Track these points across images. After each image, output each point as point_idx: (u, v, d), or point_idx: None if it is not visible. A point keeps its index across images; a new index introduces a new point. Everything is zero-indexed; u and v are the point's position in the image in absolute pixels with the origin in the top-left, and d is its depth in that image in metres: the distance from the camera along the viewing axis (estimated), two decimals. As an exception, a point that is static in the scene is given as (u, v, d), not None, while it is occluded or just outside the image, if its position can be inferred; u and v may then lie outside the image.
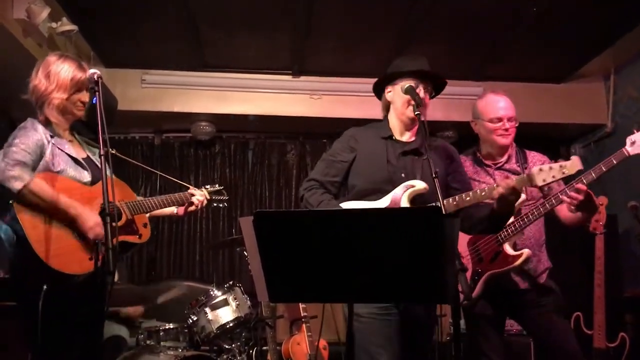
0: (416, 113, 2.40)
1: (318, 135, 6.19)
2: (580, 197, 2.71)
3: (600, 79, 5.76)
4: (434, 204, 2.33)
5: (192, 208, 3.01)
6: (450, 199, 2.43)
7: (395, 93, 2.64)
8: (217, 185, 3.32)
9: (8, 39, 3.90)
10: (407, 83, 2.52)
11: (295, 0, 4.26)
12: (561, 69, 5.54)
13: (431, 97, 2.66)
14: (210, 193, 3.17)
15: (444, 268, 1.59)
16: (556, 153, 6.33)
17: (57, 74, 2.59)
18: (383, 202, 2.49)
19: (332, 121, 5.62)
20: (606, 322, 3.78)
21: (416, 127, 2.66)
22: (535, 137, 4.76)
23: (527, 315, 3.01)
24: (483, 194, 2.39)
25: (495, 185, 2.37)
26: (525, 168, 3.04)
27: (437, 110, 5.38)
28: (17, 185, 2.35)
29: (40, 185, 2.41)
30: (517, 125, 3.05)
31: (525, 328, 3.16)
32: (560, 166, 2.26)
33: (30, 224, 2.39)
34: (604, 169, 2.71)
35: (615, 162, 2.69)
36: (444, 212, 1.70)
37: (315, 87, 5.68)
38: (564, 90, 5.77)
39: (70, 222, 2.46)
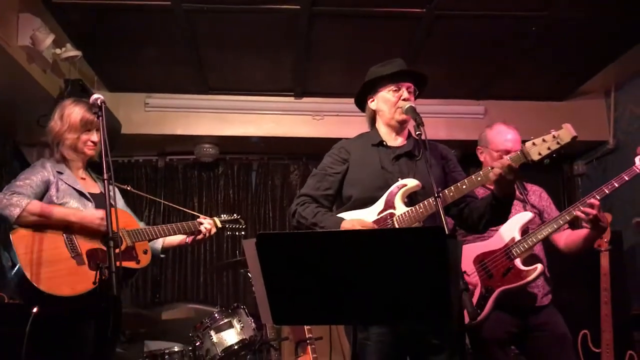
0: (417, 133, 2.38)
1: (321, 155, 6.04)
2: (594, 211, 2.78)
3: (601, 96, 5.77)
4: (432, 198, 2.29)
5: (199, 237, 3.08)
6: (446, 191, 2.38)
7: (380, 100, 2.63)
8: (234, 215, 3.43)
9: (13, 66, 3.94)
10: (406, 104, 2.52)
11: (296, 22, 4.30)
12: (562, 87, 5.56)
13: (416, 97, 2.63)
14: (223, 222, 3.25)
15: (447, 287, 1.59)
16: (559, 170, 6.34)
17: (69, 115, 2.78)
18: (377, 206, 2.47)
19: (334, 141, 5.51)
20: (614, 340, 3.74)
21: (406, 131, 2.65)
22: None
23: (532, 343, 2.97)
24: (479, 179, 2.34)
25: (489, 167, 2.32)
26: (527, 195, 3.12)
27: (440, 129, 5.41)
28: (15, 212, 2.50)
29: (37, 204, 2.57)
30: None
31: (528, 357, 3.11)
32: (554, 136, 2.19)
33: (24, 249, 2.50)
34: (617, 185, 2.85)
35: (627, 178, 2.85)
36: (446, 232, 1.70)
37: (317, 108, 5.71)
38: (566, 107, 5.77)
39: (69, 240, 2.56)
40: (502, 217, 2.50)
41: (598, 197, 2.83)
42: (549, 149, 2.20)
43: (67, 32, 4.36)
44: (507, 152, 3.03)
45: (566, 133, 2.18)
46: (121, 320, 2.23)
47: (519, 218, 2.97)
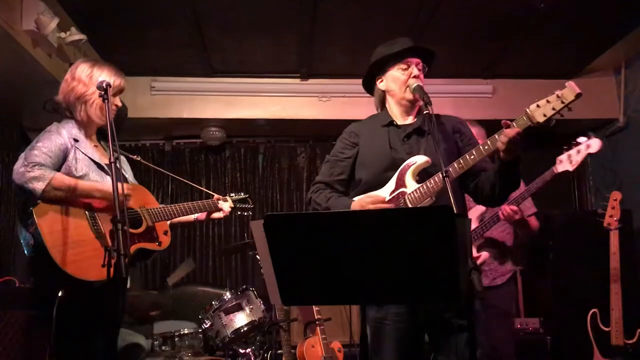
0: (425, 112, 2.35)
1: (328, 137, 6.13)
2: (511, 213, 3.25)
3: (611, 73, 5.70)
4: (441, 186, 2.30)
5: (218, 215, 3.04)
6: (455, 164, 2.33)
7: (389, 79, 2.60)
8: (242, 194, 3.34)
9: (17, 50, 3.93)
10: (414, 82, 2.49)
11: (301, 3, 4.26)
12: (571, 64, 5.48)
13: (425, 73, 2.60)
14: (234, 201, 3.19)
15: (456, 267, 1.58)
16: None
17: (98, 78, 2.63)
18: (389, 187, 2.45)
19: (341, 123, 5.44)
20: (623, 318, 3.74)
21: (416, 109, 2.61)
22: (548, 133, 4.71)
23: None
24: (486, 147, 2.28)
25: (495, 135, 2.26)
26: None
27: (447, 108, 5.29)
28: (39, 186, 2.39)
29: (61, 179, 2.45)
30: None
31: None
32: (558, 96, 2.14)
33: (49, 229, 2.39)
34: (540, 185, 3.32)
35: (548, 178, 3.31)
36: (454, 211, 1.68)
37: (323, 90, 5.67)
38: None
39: (93, 219, 2.47)
40: (513, 181, 2.41)
41: (519, 201, 3.30)
42: (553, 109, 2.15)
43: (71, 16, 4.34)
44: None
45: (570, 91, 2.13)
46: (125, 302, 2.18)
47: (477, 208, 3.32)
